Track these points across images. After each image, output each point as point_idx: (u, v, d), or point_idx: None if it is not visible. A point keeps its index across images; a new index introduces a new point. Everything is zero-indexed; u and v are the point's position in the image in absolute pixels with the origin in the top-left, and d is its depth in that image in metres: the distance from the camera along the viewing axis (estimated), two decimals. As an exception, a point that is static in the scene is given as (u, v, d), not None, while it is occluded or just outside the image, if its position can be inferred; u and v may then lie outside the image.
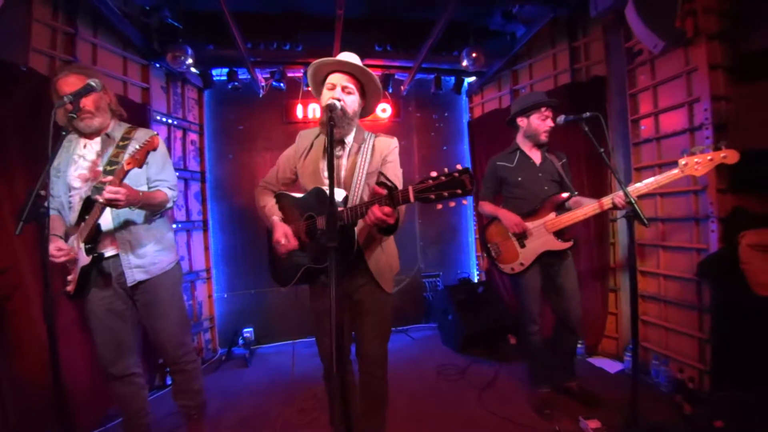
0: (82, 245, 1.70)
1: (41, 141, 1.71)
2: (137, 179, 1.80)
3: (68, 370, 2.14)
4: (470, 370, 3.06)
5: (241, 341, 3.71)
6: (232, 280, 3.90)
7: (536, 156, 2.38)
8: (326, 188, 1.55)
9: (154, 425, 2.16)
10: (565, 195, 2.27)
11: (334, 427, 1.84)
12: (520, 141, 2.41)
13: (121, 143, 1.78)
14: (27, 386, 2.13)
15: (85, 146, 1.83)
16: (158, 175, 1.88)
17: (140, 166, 1.54)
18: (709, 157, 1.92)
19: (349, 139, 1.69)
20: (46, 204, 1.39)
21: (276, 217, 1.72)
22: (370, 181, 1.64)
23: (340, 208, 1.42)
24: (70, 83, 1.69)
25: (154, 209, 1.84)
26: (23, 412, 2.12)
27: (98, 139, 1.84)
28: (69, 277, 1.77)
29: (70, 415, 2.24)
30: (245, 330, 3.74)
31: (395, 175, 1.68)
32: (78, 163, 1.80)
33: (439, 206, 1.22)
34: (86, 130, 1.80)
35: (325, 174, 1.64)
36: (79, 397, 2.30)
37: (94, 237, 1.71)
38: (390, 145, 1.70)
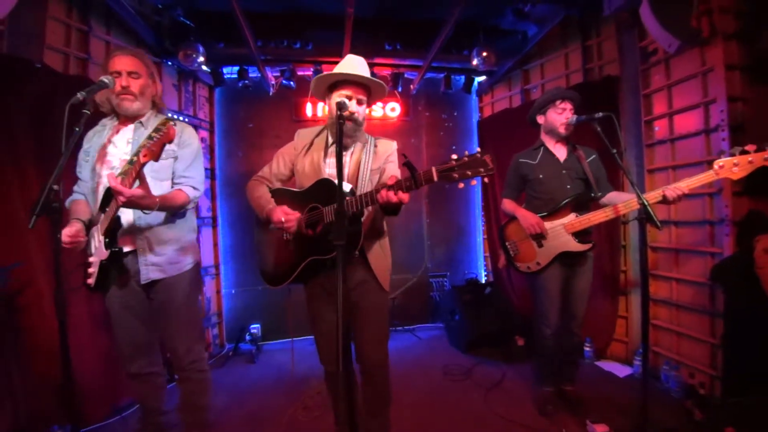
0: (101, 238, 1.64)
1: (54, 137, 1.74)
2: (163, 172, 1.77)
3: (78, 364, 2.16)
4: (476, 370, 3.05)
5: (248, 337, 3.75)
6: (240, 276, 3.92)
7: (561, 152, 2.32)
8: (332, 179, 1.57)
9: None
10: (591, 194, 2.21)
11: (339, 428, 1.84)
12: (544, 137, 2.36)
13: (153, 134, 1.69)
14: (37, 380, 2.16)
15: (118, 131, 1.79)
16: (185, 171, 1.81)
17: (156, 159, 1.47)
18: (749, 159, 1.78)
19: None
20: (60, 198, 1.38)
21: (272, 205, 1.68)
22: (373, 178, 1.69)
23: (348, 198, 1.45)
24: (123, 62, 1.71)
25: (174, 210, 1.78)
26: (33, 404, 2.15)
27: (131, 126, 1.79)
28: (90, 270, 1.72)
29: (79, 408, 2.26)
30: (252, 326, 3.78)
31: (396, 172, 1.74)
32: (107, 149, 1.76)
33: (461, 185, 1.28)
34: (124, 112, 1.76)
35: (328, 171, 1.68)
36: (87, 390, 2.33)
37: (114, 231, 1.65)
38: (392, 147, 1.79)
